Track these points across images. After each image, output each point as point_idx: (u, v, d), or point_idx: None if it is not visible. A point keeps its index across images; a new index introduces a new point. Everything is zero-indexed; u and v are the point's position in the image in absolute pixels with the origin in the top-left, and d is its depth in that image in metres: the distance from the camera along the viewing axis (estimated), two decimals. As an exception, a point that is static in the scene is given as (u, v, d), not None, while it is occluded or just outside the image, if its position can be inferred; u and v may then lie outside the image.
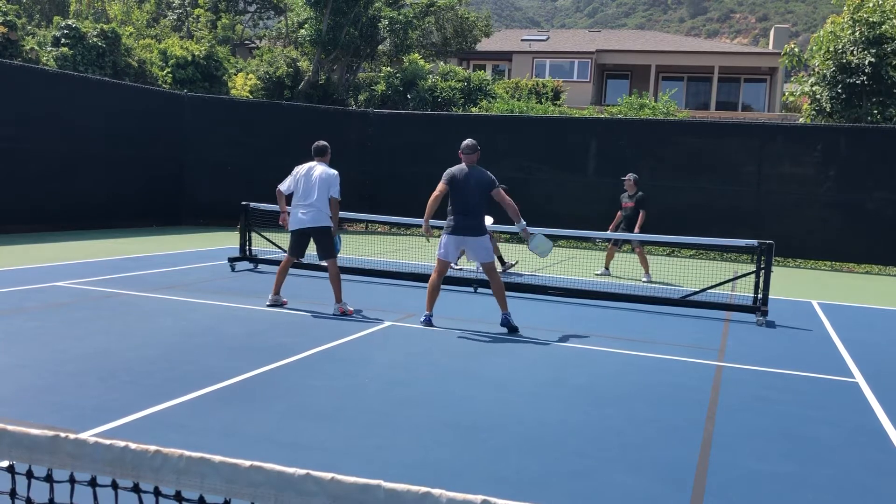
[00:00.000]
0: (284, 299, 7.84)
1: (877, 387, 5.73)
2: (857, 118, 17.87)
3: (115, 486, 1.36)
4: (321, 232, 7.63)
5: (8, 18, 18.20)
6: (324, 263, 7.85)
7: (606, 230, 12.12)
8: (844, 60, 17.77)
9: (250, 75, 24.47)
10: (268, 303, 7.75)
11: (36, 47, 19.19)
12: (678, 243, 15.86)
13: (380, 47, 25.84)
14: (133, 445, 1.26)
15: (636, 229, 11.43)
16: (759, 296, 8.41)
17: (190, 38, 28.04)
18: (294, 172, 7.76)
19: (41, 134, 13.75)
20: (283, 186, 7.79)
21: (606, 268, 12.04)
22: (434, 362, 5.80)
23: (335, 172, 7.66)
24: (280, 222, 8.11)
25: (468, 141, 7.31)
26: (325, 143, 7.91)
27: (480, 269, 7.55)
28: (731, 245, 10.24)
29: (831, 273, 14.60)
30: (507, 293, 9.34)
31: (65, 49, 19.53)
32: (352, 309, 7.66)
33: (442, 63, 27.51)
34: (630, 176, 11.95)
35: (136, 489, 1.29)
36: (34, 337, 5.88)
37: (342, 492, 1.14)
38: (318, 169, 7.66)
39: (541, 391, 5.14)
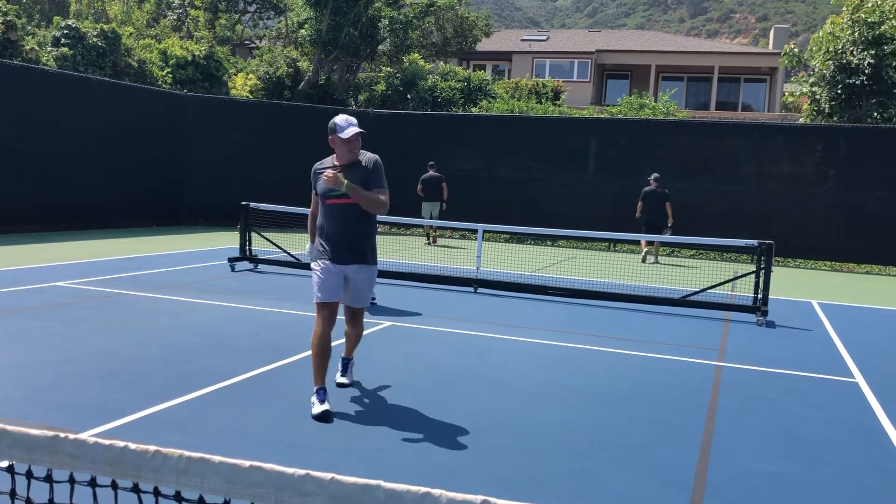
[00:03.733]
0: None
1: (877, 387, 5.73)
2: (857, 118, 17.87)
3: (115, 486, 1.36)
4: None
5: (8, 18, 18.19)
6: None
7: (607, 230, 12.19)
8: (844, 61, 17.78)
9: (250, 75, 24.46)
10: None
11: (36, 47, 19.18)
12: (678, 243, 15.87)
13: (380, 47, 25.83)
14: (133, 445, 1.26)
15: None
16: (759, 296, 8.41)
17: (190, 39, 28.04)
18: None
19: (41, 134, 13.75)
20: None
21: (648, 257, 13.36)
22: (434, 362, 5.80)
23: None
24: None
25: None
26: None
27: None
28: (731, 245, 10.24)
29: (831, 273, 14.59)
30: (507, 293, 9.38)
31: (65, 49, 19.53)
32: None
33: (442, 63, 27.51)
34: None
35: (135, 489, 1.29)
36: (34, 337, 5.87)
37: (342, 492, 1.14)
38: None
39: (541, 391, 5.14)
